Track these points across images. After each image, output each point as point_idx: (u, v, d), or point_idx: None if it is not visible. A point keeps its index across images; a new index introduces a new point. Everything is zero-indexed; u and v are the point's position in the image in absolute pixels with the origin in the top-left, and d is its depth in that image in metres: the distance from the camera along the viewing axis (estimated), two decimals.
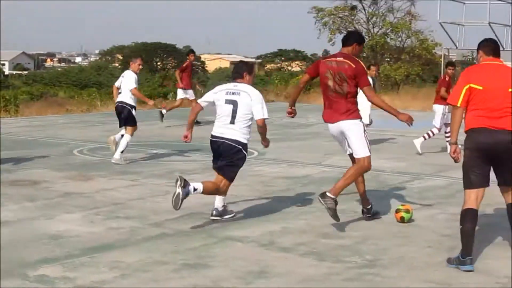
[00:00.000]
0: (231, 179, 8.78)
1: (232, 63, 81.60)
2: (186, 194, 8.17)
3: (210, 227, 8.53)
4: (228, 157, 8.68)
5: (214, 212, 8.90)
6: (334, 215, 8.32)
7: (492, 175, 7.17)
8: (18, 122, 21.04)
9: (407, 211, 8.99)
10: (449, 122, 9.10)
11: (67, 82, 56.62)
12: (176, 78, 20.90)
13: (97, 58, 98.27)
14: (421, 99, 26.61)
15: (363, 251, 7.64)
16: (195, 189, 8.29)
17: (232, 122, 8.62)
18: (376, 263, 7.22)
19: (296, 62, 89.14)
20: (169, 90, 32.54)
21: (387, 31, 39.77)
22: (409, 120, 8.48)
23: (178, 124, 19.61)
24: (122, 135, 13.42)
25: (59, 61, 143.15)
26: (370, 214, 9.13)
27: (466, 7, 27.90)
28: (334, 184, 8.61)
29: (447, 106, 14.52)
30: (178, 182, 8.16)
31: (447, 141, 14.37)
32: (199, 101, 9.10)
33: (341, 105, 8.63)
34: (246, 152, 8.78)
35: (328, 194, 8.33)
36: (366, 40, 39.25)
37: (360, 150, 8.66)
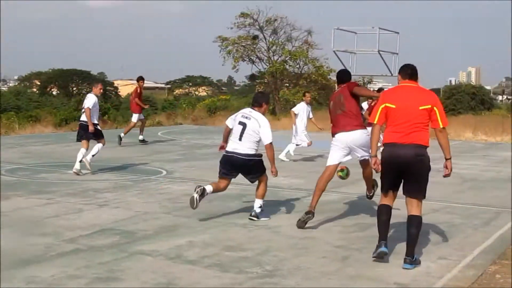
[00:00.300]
0: (264, 178, 9.80)
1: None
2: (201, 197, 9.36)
3: (121, 242, 8.42)
4: (249, 171, 9.71)
5: (253, 213, 9.78)
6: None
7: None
8: None
9: (341, 170, 10.06)
10: None
11: None
12: (137, 103, 20.83)
13: (16, 84, 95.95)
14: (318, 121, 26.99)
15: (264, 262, 7.67)
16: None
17: (240, 139, 9.66)
18: (276, 273, 7.25)
19: (203, 87, 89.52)
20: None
21: (286, 59, 40.21)
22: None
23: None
24: (93, 155, 14.11)
25: None
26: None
27: (357, 36, 28.48)
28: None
29: None
30: (197, 189, 9.34)
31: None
32: (226, 122, 10.07)
33: None
34: (258, 157, 9.70)
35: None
36: (268, 67, 39.94)
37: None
